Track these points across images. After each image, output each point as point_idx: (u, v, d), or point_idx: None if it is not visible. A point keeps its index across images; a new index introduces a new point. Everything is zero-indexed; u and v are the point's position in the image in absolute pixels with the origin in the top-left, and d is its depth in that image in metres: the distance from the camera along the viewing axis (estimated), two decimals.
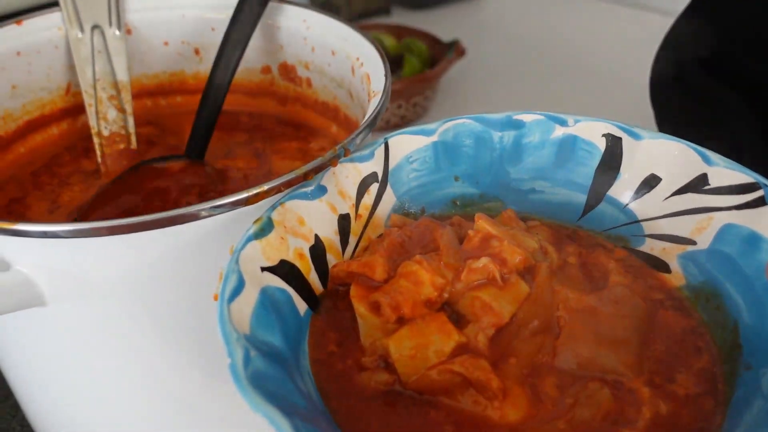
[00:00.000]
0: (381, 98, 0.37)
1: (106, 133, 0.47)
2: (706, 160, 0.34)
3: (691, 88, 0.51)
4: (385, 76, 0.39)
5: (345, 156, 0.34)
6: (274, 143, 0.50)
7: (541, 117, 0.37)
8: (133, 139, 0.48)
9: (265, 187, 0.31)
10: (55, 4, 0.47)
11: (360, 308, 0.30)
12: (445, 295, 0.30)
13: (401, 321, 0.29)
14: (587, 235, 0.36)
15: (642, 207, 0.35)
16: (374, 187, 0.35)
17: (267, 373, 0.25)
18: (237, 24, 0.45)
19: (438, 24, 0.96)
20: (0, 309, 0.32)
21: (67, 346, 0.36)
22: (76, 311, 0.34)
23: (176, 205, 0.38)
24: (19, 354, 0.38)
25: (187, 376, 0.38)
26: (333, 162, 0.33)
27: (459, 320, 0.30)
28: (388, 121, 0.78)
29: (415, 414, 0.27)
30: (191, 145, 0.45)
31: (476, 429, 0.27)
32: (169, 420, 0.40)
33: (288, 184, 0.32)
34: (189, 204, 0.30)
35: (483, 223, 0.32)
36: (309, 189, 0.33)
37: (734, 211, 0.32)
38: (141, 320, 0.35)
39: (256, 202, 0.31)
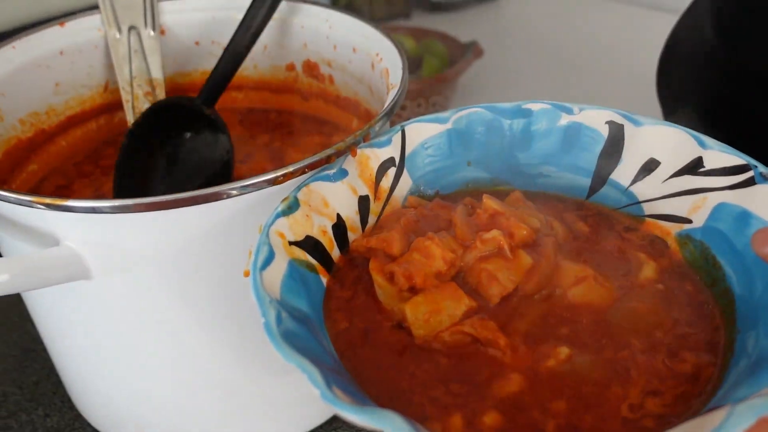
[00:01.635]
0: (399, 89, 0.40)
1: None
2: (701, 144, 0.36)
3: (696, 81, 0.53)
4: (403, 69, 0.42)
5: (364, 142, 0.37)
6: (295, 138, 0.53)
7: (548, 106, 0.40)
8: None
9: (291, 168, 0.34)
10: (95, 7, 0.50)
11: (378, 278, 0.33)
12: (454, 270, 0.33)
13: (413, 290, 0.32)
14: (594, 206, 0.39)
15: (642, 189, 0.38)
16: (392, 171, 0.38)
17: (297, 332, 0.28)
18: None
19: (456, 26, 0.98)
20: (50, 281, 0.35)
21: (108, 319, 0.39)
22: (118, 284, 0.37)
23: None
24: (63, 327, 0.42)
25: (217, 350, 0.40)
26: (353, 147, 0.36)
27: (469, 289, 0.32)
28: (408, 119, 0.80)
29: (426, 360, 0.30)
30: (204, 93, 0.48)
31: (485, 369, 0.29)
32: (201, 394, 0.42)
33: (312, 166, 0.34)
34: None
35: (490, 202, 0.35)
36: (331, 172, 0.36)
37: (727, 191, 0.34)
38: (175, 294, 0.38)
39: (283, 182, 0.34)
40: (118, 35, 0.50)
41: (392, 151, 0.38)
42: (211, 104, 0.48)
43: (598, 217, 0.38)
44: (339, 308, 0.32)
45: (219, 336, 0.40)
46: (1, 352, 0.55)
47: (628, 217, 0.38)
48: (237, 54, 0.48)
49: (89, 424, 0.49)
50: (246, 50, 0.48)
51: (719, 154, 0.35)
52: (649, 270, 0.35)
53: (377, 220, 0.37)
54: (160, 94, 0.51)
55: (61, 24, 0.49)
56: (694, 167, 0.36)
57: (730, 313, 0.32)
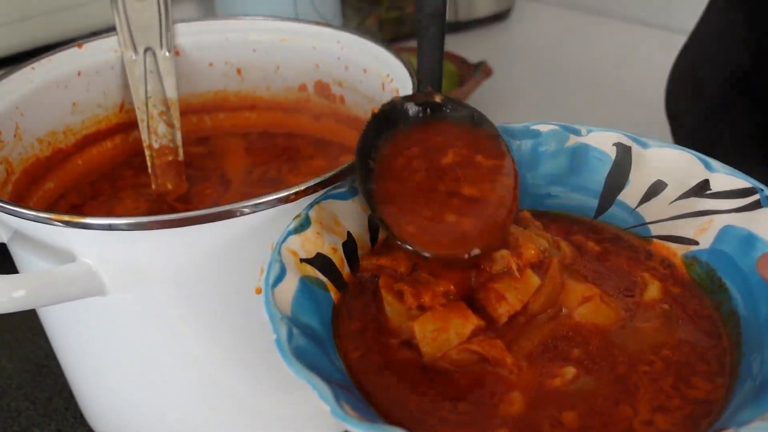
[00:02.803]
0: None
1: (156, 146, 0.51)
2: (708, 167, 0.36)
3: (704, 100, 0.54)
4: (413, 89, 0.43)
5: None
6: (299, 165, 0.53)
7: (557, 127, 0.40)
8: (181, 151, 0.52)
9: (303, 187, 0.34)
10: (113, 29, 0.51)
11: (387, 297, 0.33)
12: (462, 289, 0.33)
13: (422, 308, 0.33)
14: (603, 226, 0.39)
15: (649, 210, 0.38)
16: None
17: (307, 349, 0.28)
18: None
19: (466, 46, 0.99)
20: (66, 297, 0.36)
21: (122, 335, 0.40)
22: (132, 300, 0.37)
23: None
24: (77, 343, 0.42)
25: (229, 368, 0.41)
26: None
27: (477, 309, 0.33)
28: None
29: (434, 379, 0.30)
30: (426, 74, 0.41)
31: (492, 388, 0.30)
32: (214, 410, 0.43)
33: (322, 185, 0.35)
34: None
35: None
36: (342, 190, 0.36)
37: (733, 214, 0.35)
38: (189, 310, 0.38)
39: (295, 200, 0.35)
40: (134, 56, 0.51)
41: None
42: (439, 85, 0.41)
43: (606, 237, 0.39)
44: (348, 327, 0.33)
45: (232, 352, 0.40)
46: (14, 368, 0.56)
47: (636, 238, 0.38)
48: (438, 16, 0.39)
49: None
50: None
51: (726, 177, 0.36)
52: (655, 290, 0.35)
53: (386, 238, 0.38)
54: (174, 114, 0.52)
55: (79, 46, 0.50)
56: (701, 189, 0.36)
57: (736, 335, 0.32)
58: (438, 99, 0.39)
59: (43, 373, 0.55)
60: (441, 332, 0.31)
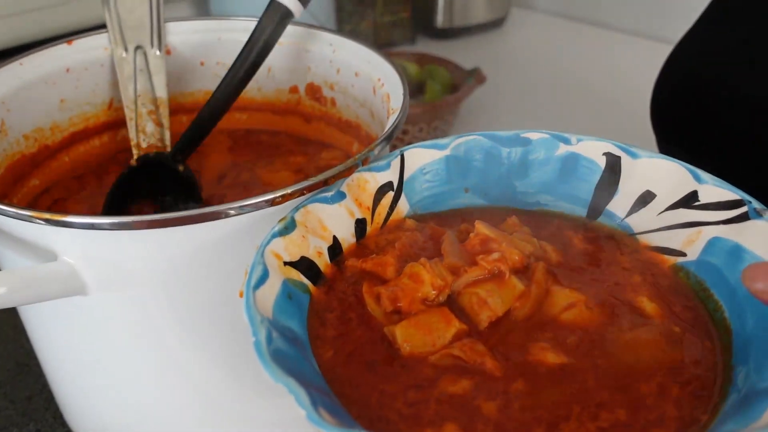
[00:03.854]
0: (399, 114, 0.40)
1: (144, 145, 0.51)
2: (697, 178, 0.36)
3: (690, 109, 0.54)
4: (404, 94, 0.42)
5: (363, 165, 0.37)
6: (286, 158, 0.53)
7: (547, 135, 0.40)
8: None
9: (289, 190, 0.34)
10: (103, 26, 0.51)
11: (369, 301, 0.33)
12: (441, 298, 0.33)
13: (399, 313, 0.32)
14: (595, 229, 0.39)
15: (637, 221, 0.38)
16: (389, 195, 0.38)
17: (286, 352, 0.28)
18: (250, 41, 0.46)
19: (460, 52, 0.99)
20: (47, 296, 0.35)
21: (103, 335, 0.39)
22: (114, 301, 0.37)
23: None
24: (58, 342, 0.42)
25: (211, 369, 0.40)
26: (351, 170, 0.37)
27: (460, 314, 0.32)
28: (409, 144, 0.81)
29: (414, 377, 0.30)
30: (179, 146, 0.48)
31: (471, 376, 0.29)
32: (195, 413, 0.42)
33: (309, 189, 0.35)
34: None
35: (482, 228, 0.35)
36: (329, 194, 0.36)
37: (721, 226, 0.35)
38: (172, 312, 0.38)
39: (281, 203, 0.34)
40: (124, 54, 0.51)
41: (391, 175, 0.39)
42: (185, 158, 0.48)
43: (596, 241, 0.38)
44: (324, 324, 0.33)
45: (214, 355, 0.40)
46: None
47: (627, 242, 0.38)
48: (215, 109, 0.47)
49: None
50: (225, 102, 0.47)
51: (714, 189, 0.35)
52: (647, 297, 0.34)
53: (373, 242, 0.37)
54: (164, 113, 0.51)
55: (69, 42, 0.50)
56: (689, 200, 0.36)
57: (727, 347, 0.32)
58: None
59: (24, 372, 0.55)
60: (424, 336, 0.31)
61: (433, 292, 0.33)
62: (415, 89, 0.84)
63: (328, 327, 0.32)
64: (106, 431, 0.45)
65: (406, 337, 0.31)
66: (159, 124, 0.52)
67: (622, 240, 0.38)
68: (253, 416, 0.43)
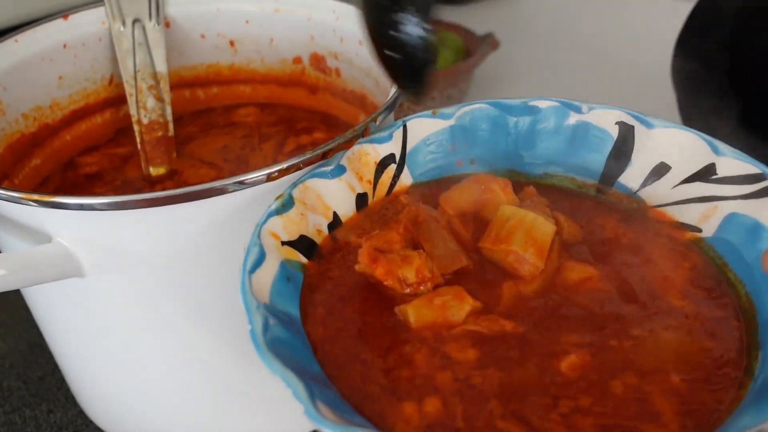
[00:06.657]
0: None
1: (145, 121, 0.50)
2: (715, 150, 0.34)
3: (711, 71, 0.52)
4: None
5: (364, 136, 0.36)
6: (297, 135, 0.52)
7: (557, 103, 0.38)
8: (171, 126, 0.50)
9: (286, 165, 0.33)
10: (100, 1, 0.50)
11: (388, 280, 0.32)
12: (423, 288, 0.31)
13: (409, 293, 0.31)
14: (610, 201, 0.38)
15: (651, 194, 0.36)
16: (392, 168, 0.37)
17: (284, 339, 0.27)
18: None
19: (473, 18, 0.96)
20: (42, 279, 0.35)
21: (103, 317, 0.39)
22: (112, 282, 0.36)
23: None
24: (61, 325, 0.41)
25: (215, 348, 0.40)
26: (351, 142, 0.35)
27: (499, 273, 0.32)
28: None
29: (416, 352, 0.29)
30: None
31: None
32: (199, 390, 0.42)
33: (307, 162, 0.34)
34: None
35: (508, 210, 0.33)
36: (328, 168, 0.35)
37: (740, 201, 0.33)
38: (170, 292, 0.37)
39: (278, 178, 0.33)
40: (122, 28, 0.50)
41: (393, 147, 0.37)
42: None
43: (609, 214, 0.36)
44: (321, 301, 0.32)
45: (215, 333, 0.39)
46: (7, 347, 0.55)
47: (652, 210, 0.36)
48: None
49: (92, 421, 0.48)
50: None
51: (733, 161, 0.33)
52: (668, 272, 0.33)
53: (375, 214, 0.36)
54: (164, 88, 0.50)
55: (65, 17, 0.49)
56: (706, 174, 0.34)
57: (753, 332, 0.30)
58: None
59: (36, 353, 0.54)
60: (438, 314, 0.30)
61: (414, 279, 0.31)
62: None
63: (318, 305, 0.31)
64: (114, 410, 0.45)
65: (419, 316, 0.30)
66: (160, 99, 0.50)
67: (636, 213, 0.36)
68: (262, 393, 0.43)
